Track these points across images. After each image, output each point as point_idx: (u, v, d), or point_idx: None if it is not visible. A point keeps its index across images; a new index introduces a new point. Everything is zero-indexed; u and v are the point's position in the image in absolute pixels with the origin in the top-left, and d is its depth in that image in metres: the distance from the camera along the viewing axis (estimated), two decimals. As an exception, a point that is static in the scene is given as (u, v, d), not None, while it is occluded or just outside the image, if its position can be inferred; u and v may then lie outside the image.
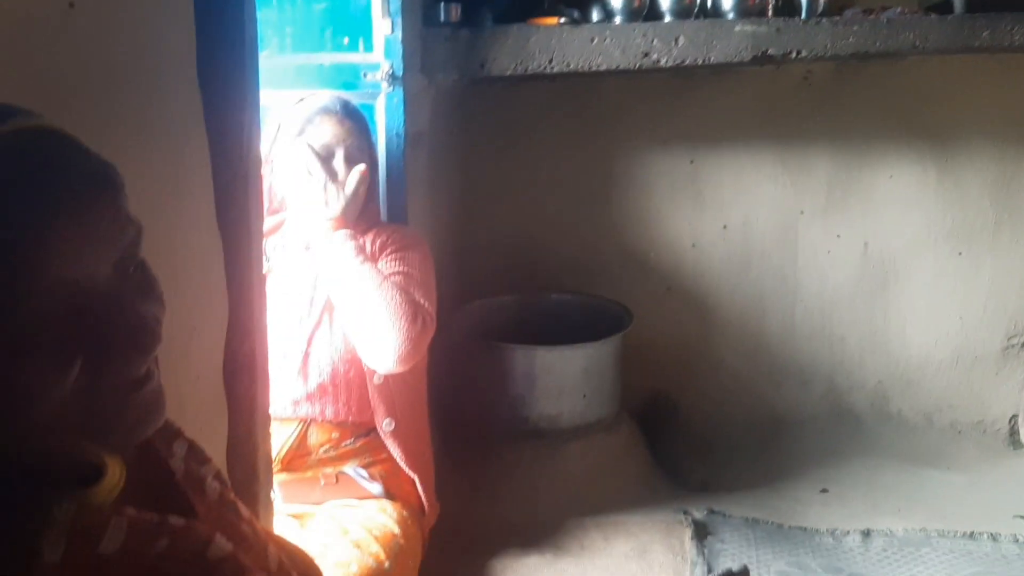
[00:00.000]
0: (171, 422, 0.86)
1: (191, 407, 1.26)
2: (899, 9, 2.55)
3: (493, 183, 3.06)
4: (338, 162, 1.95)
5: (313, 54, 2.31)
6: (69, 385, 0.61)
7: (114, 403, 0.65)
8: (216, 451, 1.38)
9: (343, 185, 1.94)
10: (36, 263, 0.59)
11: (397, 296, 1.86)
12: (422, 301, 1.94)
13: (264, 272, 1.46)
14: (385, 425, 1.98)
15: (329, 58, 2.31)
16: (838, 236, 3.01)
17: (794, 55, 2.44)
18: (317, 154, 1.93)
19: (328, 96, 2.01)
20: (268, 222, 2.07)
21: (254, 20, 1.37)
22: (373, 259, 1.94)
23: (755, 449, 2.93)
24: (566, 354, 2.55)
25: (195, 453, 0.87)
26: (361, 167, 1.97)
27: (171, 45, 1.23)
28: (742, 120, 2.97)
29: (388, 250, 2.00)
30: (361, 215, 2.04)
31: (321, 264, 1.93)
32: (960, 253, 2.98)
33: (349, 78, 2.30)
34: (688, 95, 2.96)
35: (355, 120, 2.00)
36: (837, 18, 2.46)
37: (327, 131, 1.95)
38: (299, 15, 2.31)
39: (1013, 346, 3.00)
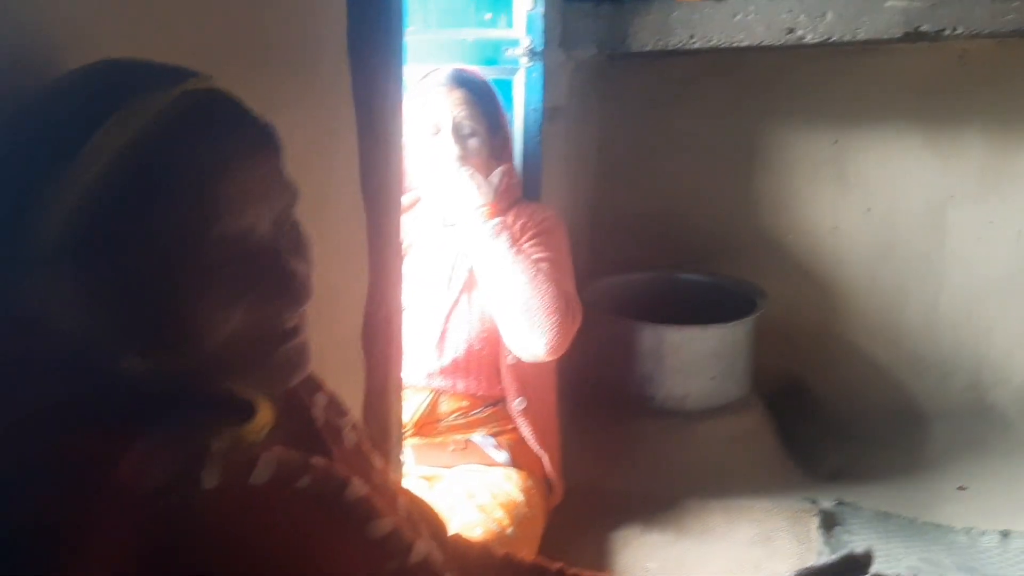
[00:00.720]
0: (314, 375, 0.92)
1: (331, 364, 1.32)
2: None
3: (630, 158, 3.04)
4: (444, 135, 1.96)
5: (456, 30, 2.36)
6: (234, 325, 0.66)
7: (267, 349, 0.71)
8: (352, 408, 1.45)
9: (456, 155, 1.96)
10: (211, 213, 0.65)
11: (551, 290, 1.88)
12: (571, 291, 1.99)
13: (402, 244, 1.51)
14: (517, 404, 2.02)
15: (472, 34, 2.35)
16: (990, 223, 2.85)
17: (948, 32, 2.33)
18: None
19: (445, 69, 2.03)
20: (404, 199, 2.14)
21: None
22: (516, 241, 1.96)
23: (891, 440, 2.83)
24: (695, 335, 2.53)
25: (335, 405, 0.93)
26: (504, 167, 2.01)
27: (322, 17, 1.29)
28: (890, 99, 2.84)
29: (531, 232, 2.01)
30: (506, 192, 2.07)
31: (472, 252, 1.95)
32: (1126, 243, 2.78)
33: (490, 54, 2.34)
34: (835, 71, 2.85)
35: (468, 88, 1.99)
36: (997, -8, 2.34)
37: (434, 105, 1.97)
38: (445, -7, 2.36)
39: None
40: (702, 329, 2.53)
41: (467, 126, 1.99)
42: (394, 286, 1.47)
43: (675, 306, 2.81)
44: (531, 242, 1.99)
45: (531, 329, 1.87)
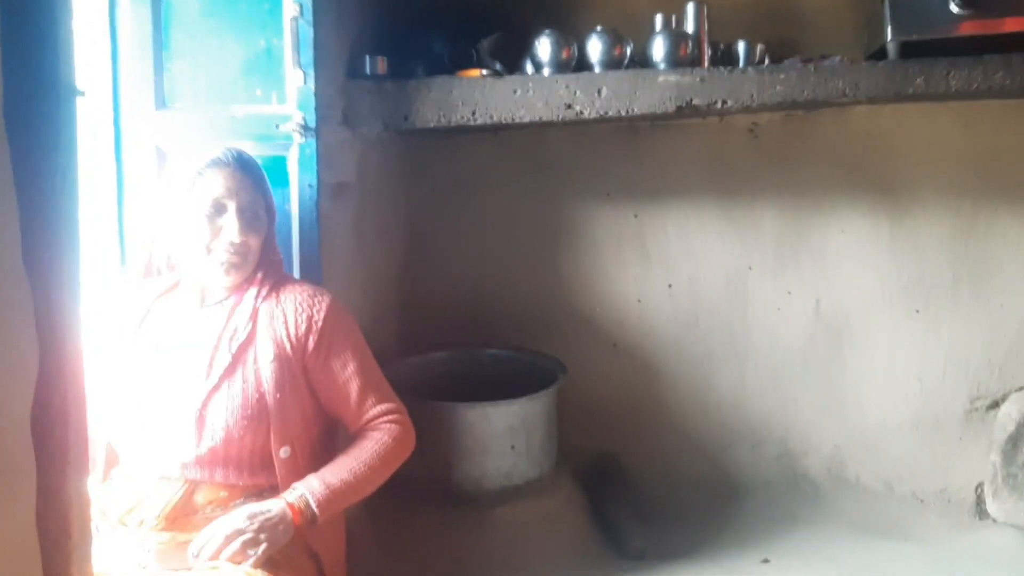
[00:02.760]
0: None
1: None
2: (838, 58, 2.47)
3: (437, 235, 3.02)
4: (230, 216, 1.89)
5: (226, 106, 2.30)
6: None
7: None
8: (25, 506, 1.33)
9: (235, 236, 1.89)
10: None
11: (391, 452, 1.96)
12: (387, 392, 2.03)
13: (81, 322, 1.40)
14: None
15: (242, 110, 2.29)
16: (789, 293, 2.90)
17: (719, 104, 2.37)
18: None
19: (223, 148, 1.95)
20: (164, 281, 2.03)
21: (70, 61, 1.33)
22: (301, 342, 1.92)
23: (703, 514, 2.80)
24: (488, 411, 2.46)
25: None
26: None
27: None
28: (686, 173, 2.90)
29: (316, 333, 1.94)
30: (268, 271, 1.99)
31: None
32: (918, 311, 2.84)
33: (262, 130, 2.28)
34: (633, 148, 2.91)
35: (249, 172, 1.93)
36: (764, 67, 2.40)
37: (219, 185, 1.89)
38: (214, 67, 2.30)
39: (977, 409, 2.84)
40: (495, 406, 2.46)
41: (250, 210, 1.92)
42: (71, 369, 1.36)
43: (482, 384, 2.76)
44: (326, 353, 1.94)
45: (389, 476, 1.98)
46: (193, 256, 1.94)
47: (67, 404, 1.35)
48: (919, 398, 2.87)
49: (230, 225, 1.89)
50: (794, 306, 2.90)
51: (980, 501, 2.82)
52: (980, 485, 2.83)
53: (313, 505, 1.80)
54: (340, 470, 1.87)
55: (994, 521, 2.79)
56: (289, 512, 1.78)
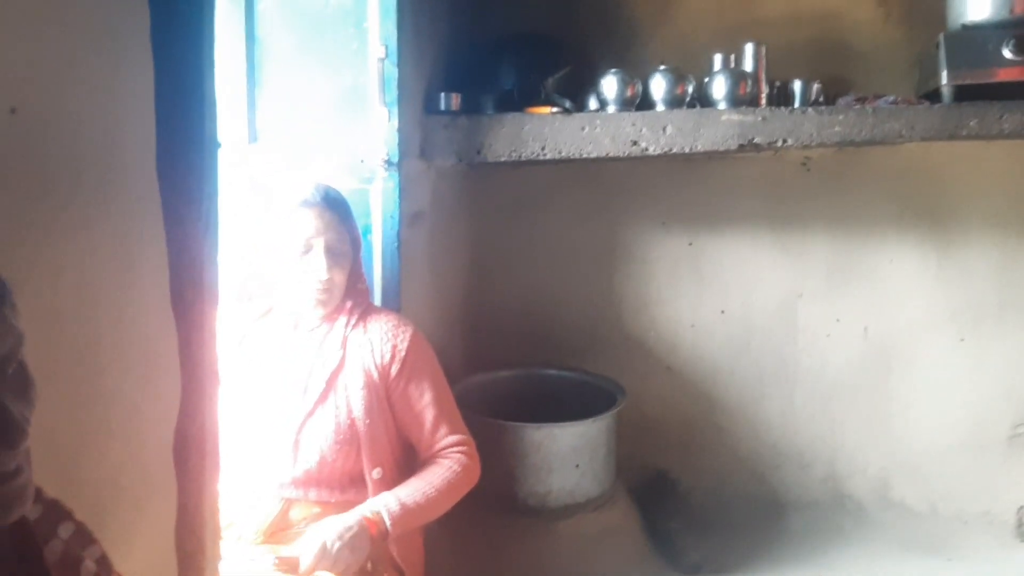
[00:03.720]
0: (61, 505, 0.93)
1: (131, 479, 1.34)
2: (892, 97, 2.58)
3: (499, 260, 3.15)
4: (317, 253, 2.01)
5: (314, 140, 2.42)
6: None
7: None
8: (165, 523, 1.46)
9: (323, 273, 2.01)
10: None
11: (458, 479, 2.05)
12: (458, 423, 2.13)
13: (218, 358, 1.53)
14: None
15: (329, 145, 2.41)
16: (838, 320, 3.01)
17: (780, 143, 2.49)
18: None
19: (311, 186, 2.07)
20: (259, 306, 2.17)
21: (214, 117, 1.47)
22: (385, 369, 2.03)
23: (754, 530, 2.91)
24: (554, 432, 2.58)
25: (81, 536, 0.92)
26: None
27: (128, 139, 1.34)
28: (741, 204, 3.02)
29: (399, 363, 2.05)
30: (356, 300, 2.12)
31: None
32: (963, 339, 2.95)
33: (348, 163, 2.41)
34: (688, 178, 3.02)
35: (336, 210, 2.04)
36: (823, 107, 2.51)
37: (308, 224, 2.00)
38: (303, 103, 2.42)
39: (1020, 435, 2.94)
40: (560, 427, 2.59)
41: (337, 247, 2.04)
42: (209, 399, 1.50)
43: (543, 403, 2.88)
44: (407, 381, 2.05)
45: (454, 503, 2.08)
46: (285, 288, 2.07)
47: (204, 431, 1.49)
48: (964, 423, 2.98)
49: (317, 263, 1.99)
50: (843, 332, 3.02)
51: (1021, 523, 2.91)
52: (1022, 507, 2.92)
53: (387, 520, 1.90)
54: (413, 492, 1.98)
55: (1035, 542, 2.89)
56: (367, 525, 1.89)
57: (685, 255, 3.07)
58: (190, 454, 1.48)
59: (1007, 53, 2.43)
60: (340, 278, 2.05)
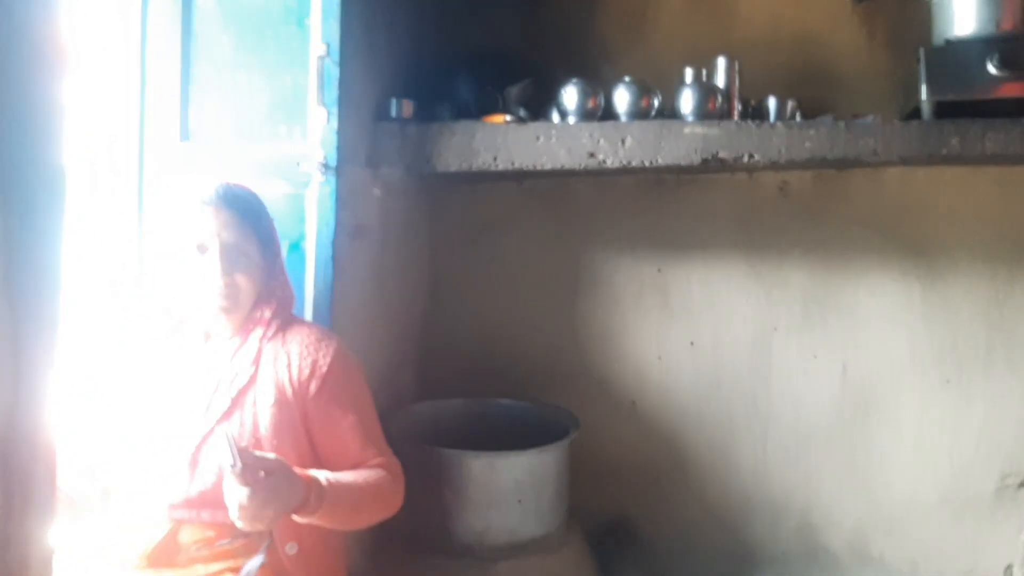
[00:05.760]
0: None
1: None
2: (872, 116, 2.42)
3: (456, 284, 2.99)
4: (212, 257, 1.85)
5: (249, 141, 2.30)
6: None
7: None
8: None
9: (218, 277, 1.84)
10: None
11: (381, 492, 1.87)
12: (382, 445, 1.95)
13: (56, 348, 1.37)
14: (288, 549, 1.84)
15: (264, 146, 2.29)
16: (815, 356, 2.81)
17: (746, 158, 2.33)
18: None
19: (211, 184, 1.90)
20: (172, 319, 2.00)
21: (61, 76, 1.32)
22: (303, 386, 1.86)
23: (719, 584, 2.69)
24: (494, 462, 2.38)
25: None
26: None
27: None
28: (713, 230, 2.85)
29: (320, 378, 1.88)
30: (277, 308, 1.96)
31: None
32: (949, 381, 2.74)
33: (284, 167, 2.28)
34: (657, 201, 2.86)
35: (235, 208, 1.87)
36: (794, 122, 2.35)
37: (203, 224, 1.84)
38: (239, 102, 2.31)
39: (1008, 487, 2.71)
40: (502, 456, 2.39)
41: (236, 248, 1.88)
42: (43, 401, 1.33)
43: (492, 435, 2.69)
44: (327, 400, 1.88)
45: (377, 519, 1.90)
46: (186, 294, 1.91)
47: (36, 432, 1.32)
48: (948, 473, 2.75)
49: (212, 267, 1.83)
50: (820, 370, 2.81)
51: (1010, 585, 2.68)
52: (1009, 567, 2.70)
53: (323, 480, 1.71)
54: (341, 476, 1.79)
55: (1024, 606, 2.65)
56: (304, 479, 1.68)
57: (653, 282, 2.89)
58: (17, 463, 1.31)
59: (991, 68, 2.28)
60: (245, 282, 1.87)
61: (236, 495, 1.59)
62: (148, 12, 2.34)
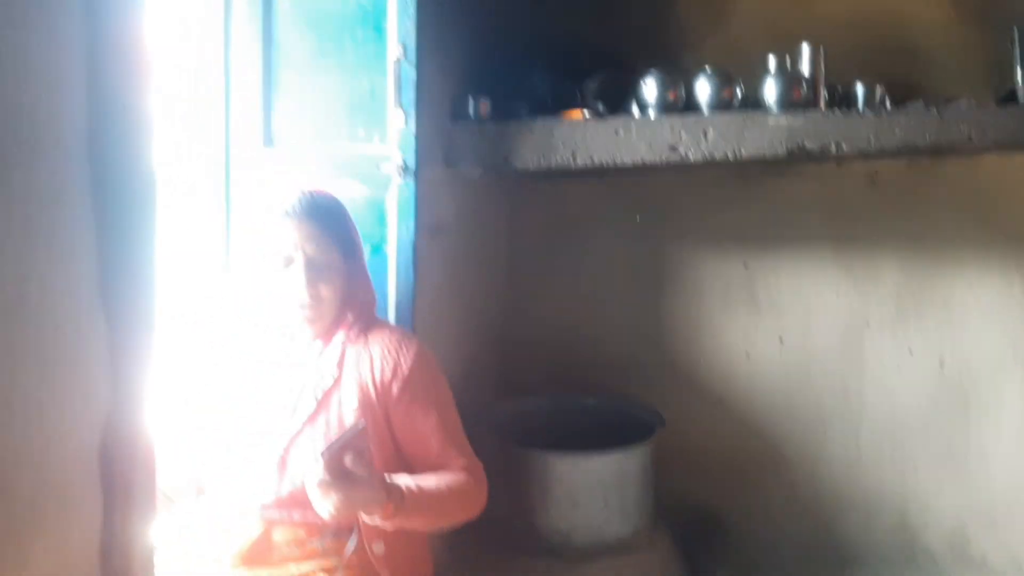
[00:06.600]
0: None
1: (34, 485, 1.21)
2: (964, 100, 2.31)
3: (536, 281, 2.98)
4: (296, 270, 1.88)
5: (329, 145, 2.33)
6: None
7: None
8: (89, 536, 1.33)
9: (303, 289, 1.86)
10: None
11: (461, 497, 1.86)
12: (464, 447, 1.94)
13: (154, 361, 1.40)
14: (375, 548, 1.87)
15: (344, 149, 2.31)
16: (910, 352, 2.71)
17: (834, 149, 2.25)
18: None
19: (294, 194, 1.91)
20: (259, 322, 2.04)
21: (151, 93, 1.35)
22: (385, 387, 1.88)
23: (810, 584, 2.63)
24: (579, 462, 2.36)
25: None
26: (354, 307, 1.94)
27: (50, 121, 1.22)
28: (801, 222, 2.77)
29: (401, 380, 1.89)
30: (359, 312, 1.98)
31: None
32: (1054, 374, 2.62)
33: (363, 169, 2.30)
34: (742, 193, 2.80)
35: (319, 220, 1.89)
36: (882, 109, 2.26)
37: (287, 237, 1.86)
38: (320, 106, 2.34)
39: (1119, 486, 2.58)
40: (586, 457, 2.37)
41: (320, 260, 1.90)
42: (142, 403, 1.36)
43: (577, 432, 2.67)
44: (409, 401, 1.89)
45: (458, 522, 1.91)
46: (272, 303, 1.94)
47: (136, 440, 1.36)
48: (1055, 470, 2.63)
49: (297, 279, 1.86)
50: (915, 365, 2.72)
51: (1124, 588, 2.55)
52: (1123, 568, 2.56)
53: (403, 487, 1.72)
54: (422, 481, 1.80)
55: None
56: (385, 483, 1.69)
57: (740, 277, 2.83)
58: (119, 463, 1.35)
59: (1095, 47, 2.15)
60: (328, 292, 1.90)
61: (317, 477, 1.61)
62: (231, 21, 2.38)
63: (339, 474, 1.62)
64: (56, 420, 1.22)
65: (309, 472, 1.62)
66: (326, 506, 1.63)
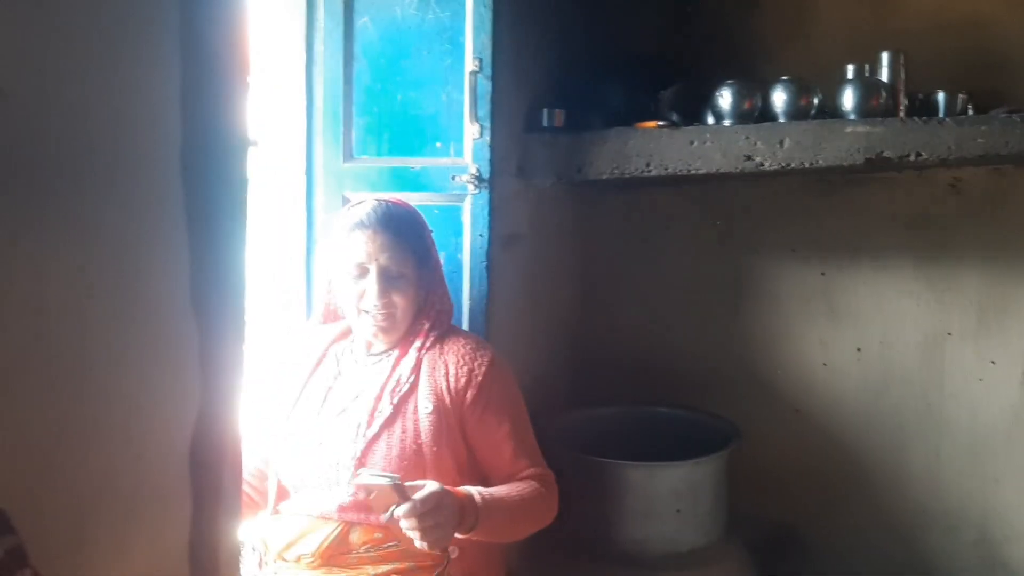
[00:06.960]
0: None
1: (132, 484, 1.27)
2: (1052, 109, 2.26)
3: (610, 290, 2.98)
4: (370, 280, 1.93)
5: (406, 157, 2.38)
6: None
7: None
8: (180, 533, 1.39)
9: (375, 299, 1.92)
10: None
11: (536, 504, 1.91)
12: (536, 457, 1.98)
13: (243, 365, 1.45)
14: (450, 553, 1.91)
15: (420, 162, 2.36)
16: (992, 362, 2.64)
17: (913, 157, 2.22)
18: None
19: (368, 206, 1.98)
20: (338, 327, 2.11)
21: (245, 113, 1.40)
22: (460, 395, 1.92)
23: (890, 600, 2.58)
24: (653, 472, 2.37)
25: (16, 554, 0.86)
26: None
27: (147, 133, 1.28)
28: (880, 231, 2.73)
29: (474, 389, 1.93)
30: (436, 321, 2.02)
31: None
32: None
33: (439, 181, 2.34)
34: (820, 201, 2.77)
35: (392, 231, 1.94)
36: (963, 117, 2.22)
37: (359, 249, 1.93)
38: (397, 120, 2.39)
39: None
40: (660, 467, 2.37)
41: (394, 270, 1.95)
42: (231, 406, 1.42)
43: (649, 443, 2.67)
44: (483, 409, 1.93)
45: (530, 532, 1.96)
46: (348, 313, 2.01)
47: (224, 440, 1.41)
48: None
49: (371, 289, 1.92)
50: (998, 377, 2.65)
51: None
52: None
53: (477, 498, 1.77)
54: (495, 492, 1.85)
55: None
56: (455, 496, 1.75)
57: (817, 286, 2.79)
58: (208, 463, 1.41)
59: None
60: (402, 301, 1.95)
61: (411, 530, 1.69)
62: (314, 37, 2.44)
63: (424, 516, 1.67)
64: (152, 421, 1.29)
65: (407, 530, 1.69)
66: (438, 542, 1.71)
